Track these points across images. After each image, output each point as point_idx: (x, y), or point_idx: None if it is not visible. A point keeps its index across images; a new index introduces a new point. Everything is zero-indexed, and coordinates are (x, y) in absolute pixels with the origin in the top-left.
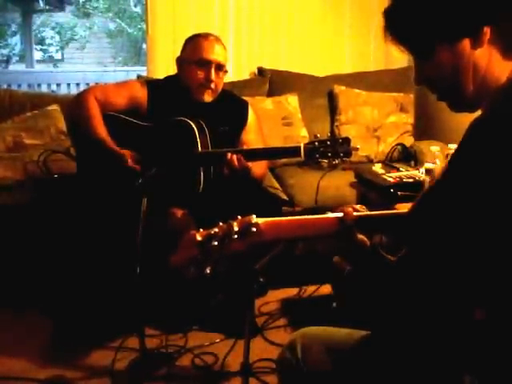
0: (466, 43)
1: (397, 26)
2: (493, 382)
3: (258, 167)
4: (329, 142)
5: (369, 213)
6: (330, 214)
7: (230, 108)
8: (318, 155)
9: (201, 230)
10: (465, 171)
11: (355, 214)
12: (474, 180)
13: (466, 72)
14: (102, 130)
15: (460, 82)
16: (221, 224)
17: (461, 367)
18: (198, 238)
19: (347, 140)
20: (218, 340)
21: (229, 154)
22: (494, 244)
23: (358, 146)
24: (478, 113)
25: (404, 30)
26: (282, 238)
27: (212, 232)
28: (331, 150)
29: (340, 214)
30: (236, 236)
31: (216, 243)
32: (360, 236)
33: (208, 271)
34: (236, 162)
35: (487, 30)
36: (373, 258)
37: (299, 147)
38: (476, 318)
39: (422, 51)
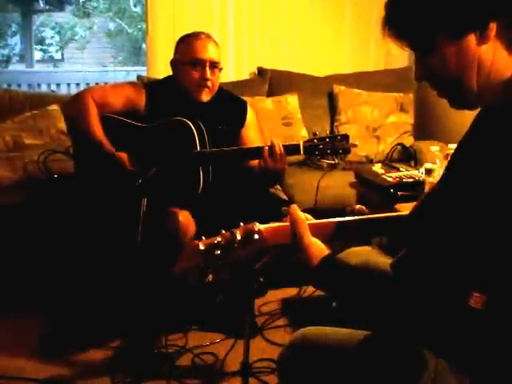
0: (472, 39)
1: (399, 19)
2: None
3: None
4: (327, 139)
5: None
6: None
7: (229, 107)
8: (317, 152)
9: (203, 238)
10: (470, 164)
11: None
12: (481, 170)
13: (470, 68)
14: (99, 132)
15: (464, 79)
16: (223, 232)
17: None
18: (201, 247)
19: (346, 137)
20: (218, 340)
21: (274, 143)
22: (499, 243)
23: (357, 142)
24: (477, 111)
25: (407, 24)
26: (285, 244)
27: (215, 241)
28: (330, 147)
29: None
30: (239, 244)
31: (219, 252)
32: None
33: (210, 279)
34: (279, 152)
35: (493, 26)
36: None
37: (298, 145)
38: (471, 304)
39: (424, 46)
